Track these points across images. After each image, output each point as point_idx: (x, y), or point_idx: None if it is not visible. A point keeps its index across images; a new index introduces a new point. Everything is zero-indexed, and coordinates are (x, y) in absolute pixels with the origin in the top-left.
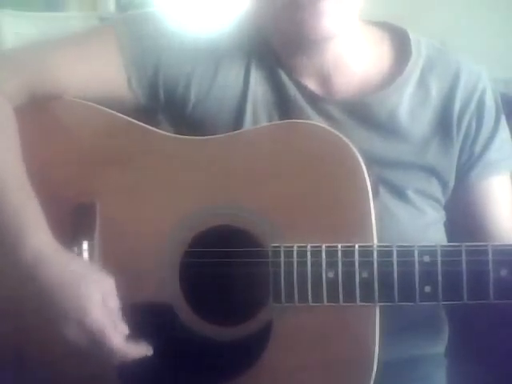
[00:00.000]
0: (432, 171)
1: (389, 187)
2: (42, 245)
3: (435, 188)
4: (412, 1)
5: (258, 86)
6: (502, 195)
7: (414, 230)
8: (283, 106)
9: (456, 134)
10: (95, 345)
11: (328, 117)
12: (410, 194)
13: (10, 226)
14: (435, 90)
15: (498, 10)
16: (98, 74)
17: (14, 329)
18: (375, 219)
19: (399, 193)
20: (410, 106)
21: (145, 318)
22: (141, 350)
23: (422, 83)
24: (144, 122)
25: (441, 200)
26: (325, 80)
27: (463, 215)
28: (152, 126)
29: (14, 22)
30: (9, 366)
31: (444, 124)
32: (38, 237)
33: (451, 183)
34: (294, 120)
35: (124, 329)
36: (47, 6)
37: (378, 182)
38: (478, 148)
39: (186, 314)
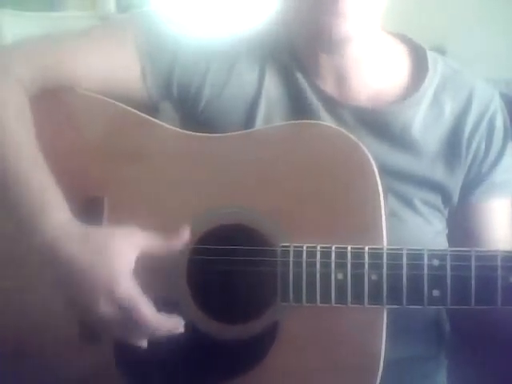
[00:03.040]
0: (438, 187)
1: (397, 196)
2: (64, 221)
3: (439, 202)
4: (412, 1)
5: (272, 87)
6: (502, 218)
7: (424, 237)
8: (297, 107)
9: (465, 154)
10: (127, 317)
11: (341, 122)
12: (417, 203)
13: (30, 204)
14: (448, 110)
15: (498, 10)
16: (112, 67)
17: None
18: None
19: (407, 202)
20: (423, 122)
21: None
22: (171, 323)
23: (436, 101)
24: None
25: (444, 213)
26: (341, 83)
27: (462, 232)
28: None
29: (14, 22)
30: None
31: (454, 143)
32: (59, 214)
33: (455, 199)
34: (306, 120)
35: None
36: (47, 6)
37: (387, 190)
38: (484, 169)
39: (192, 312)
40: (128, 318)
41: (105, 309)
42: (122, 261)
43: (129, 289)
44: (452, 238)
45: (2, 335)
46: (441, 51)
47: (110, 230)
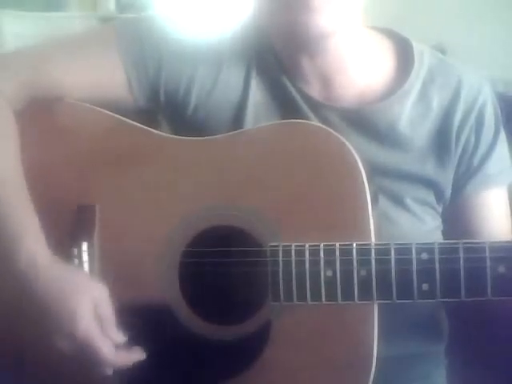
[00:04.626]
0: (429, 183)
1: (387, 195)
2: (37, 254)
3: (432, 198)
4: (411, 1)
5: (258, 90)
6: (499, 208)
7: (416, 236)
8: (284, 109)
9: (455, 146)
10: (85, 356)
11: (329, 124)
12: (409, 201)
13: (4, 233)
14: (436, 102)
15: (497, 10)
16: (98, 76)
17: (9, 336)
18: (373, 220)
19: (398, 201)
20: (410, 117)
21: (144, 318)
22: (132, 356)
23: (424, 95)
24: (144, 124)
25: (437, 209)
26: (326, 85)
27: (459, 227)
28: (152, 127)
29: (14, 22)
30: (6, 371)
31: (443, 136)
32: (33, 245)
33: (447, 194)
34: (293, 120)
35: (118, 336)
36: (47, 6)
37: (377, 189)
38: (476, 161)
39: (185, 314)
40: (85, 357)
41: (64, 346)
42: (84, 301)
43: (88, 329)
44: (449, 234)
45: None
46: (440, 51)
47: (79, 271)
